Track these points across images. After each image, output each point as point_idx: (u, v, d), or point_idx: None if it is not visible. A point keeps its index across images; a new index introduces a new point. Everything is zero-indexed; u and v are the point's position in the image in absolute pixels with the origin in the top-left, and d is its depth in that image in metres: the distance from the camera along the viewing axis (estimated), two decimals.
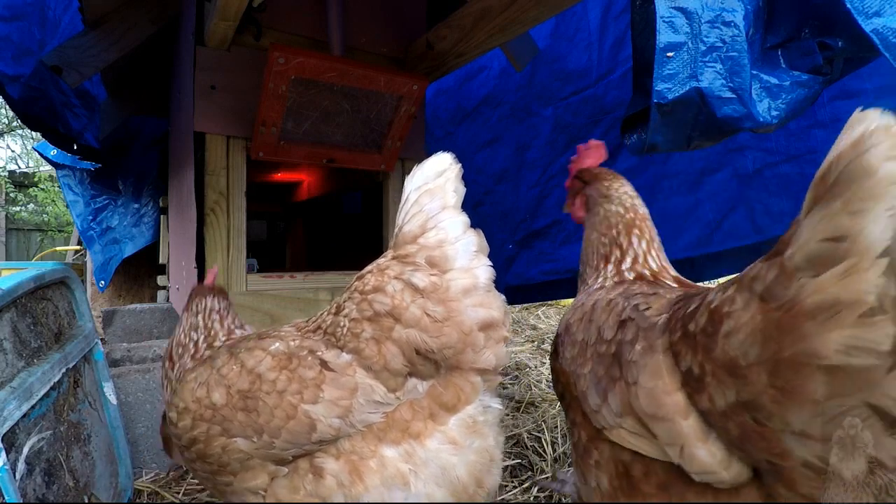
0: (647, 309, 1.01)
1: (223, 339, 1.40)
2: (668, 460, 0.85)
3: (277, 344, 1.16)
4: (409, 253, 1.08)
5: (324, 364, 1.10)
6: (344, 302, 1.15)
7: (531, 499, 1.90)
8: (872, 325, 0.58)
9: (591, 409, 1.04)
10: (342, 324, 1.13)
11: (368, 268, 1.15)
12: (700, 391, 0.80)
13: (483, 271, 1.07)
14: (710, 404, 0.78)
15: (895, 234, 0.57)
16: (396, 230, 1.13)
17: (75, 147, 3.69)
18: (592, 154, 1.53)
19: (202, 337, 1.40)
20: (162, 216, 4.10)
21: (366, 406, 1.08)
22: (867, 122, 0.59)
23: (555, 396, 2.43)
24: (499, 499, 1.92)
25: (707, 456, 0.78)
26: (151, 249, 4.39)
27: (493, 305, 1.08)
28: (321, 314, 1.22)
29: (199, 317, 1.45)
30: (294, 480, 1.11)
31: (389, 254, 1.13)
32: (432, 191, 1.08)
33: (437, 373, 1.10)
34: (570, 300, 3.38)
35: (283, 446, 1.10)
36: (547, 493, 1.90)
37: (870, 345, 0.59)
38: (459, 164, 1.12)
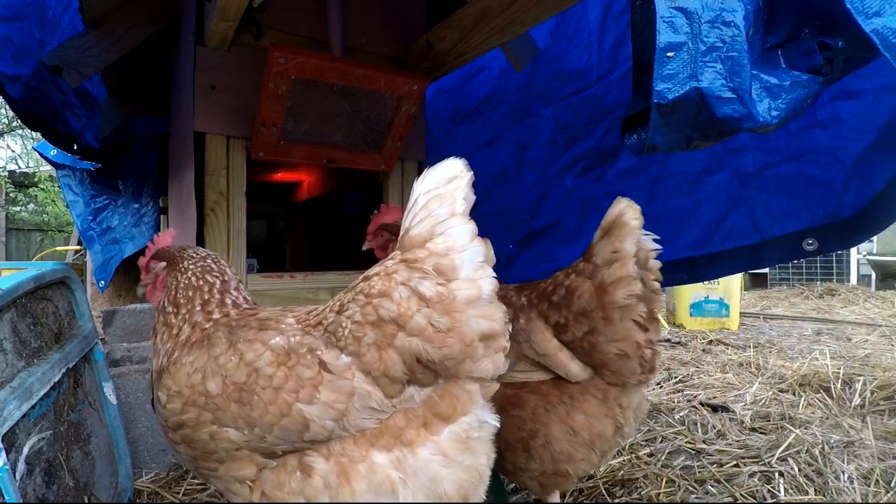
0: (513, 297, 1.69)
1: (217, 284, 1.35)
2: (548, 378, 1.58)
3: (278, 338, 1.15)
4: (417, 258, 1.07)
5: (322, 364, 1.10)
6: (348, 302, 1.13)
7: (530, 499, 1.90)
8: (634, 283, 1.45)
9: None
10: (344, 324, 1.11)
11: (375, 269, 1.14)
12: (565, 332, 1.56)
13: (487, 283, 1.07)
14: (573, 336, 1.54)
15: (635, 247, 1.44)
16: (402, 232, 1.12)
17: (75, 147, 3.68)
18: (392, 212, 2.03)
19: (218, 281, 1.36)
20: (162, 216, 4.10)
21: (361, 412, 1.07)
22: (623, 203, 1.47)
23: None
24: None
25: (577, 368, 1.55)
26: None
27: (495, 317, 1.08)
28: (323, 309, 1.21)
29: (209, 260, 1.40)
30: (281, 475, 1.11)
31: (397, 255, 1.12)
32: (442, 196, 1.08)
33: (435, 381, 1.10)
34: None
35: (274, 441, 1.09)
36: None
37: (634, 293, 1.45)
38: (471, 172, 1.10)
